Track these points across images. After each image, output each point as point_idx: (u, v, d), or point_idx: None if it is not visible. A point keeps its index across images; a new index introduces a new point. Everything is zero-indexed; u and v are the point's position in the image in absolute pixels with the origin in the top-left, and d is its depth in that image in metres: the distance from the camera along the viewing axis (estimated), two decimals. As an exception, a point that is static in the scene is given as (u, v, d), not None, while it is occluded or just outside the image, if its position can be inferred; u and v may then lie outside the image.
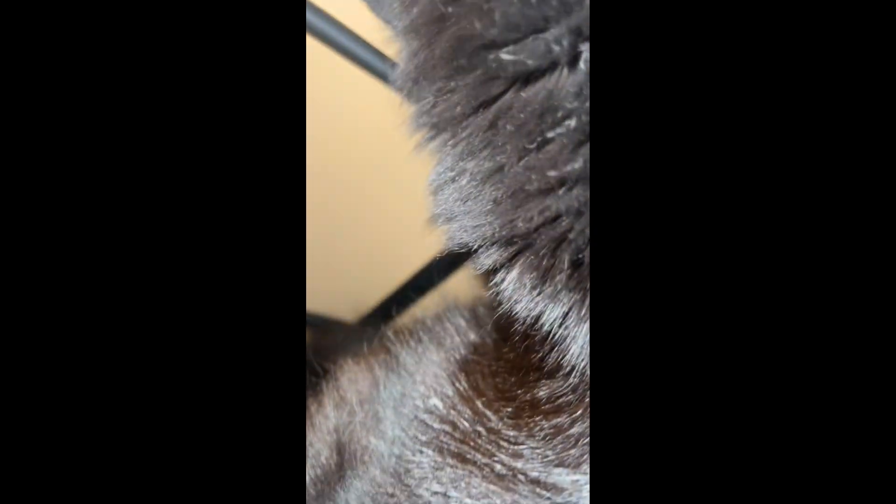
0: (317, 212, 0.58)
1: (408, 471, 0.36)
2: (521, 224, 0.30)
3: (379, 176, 0.61)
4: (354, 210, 0.64)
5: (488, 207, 0.31)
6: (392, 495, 0.36)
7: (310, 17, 0.52)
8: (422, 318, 0.48)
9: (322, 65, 0.53)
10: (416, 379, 0.40)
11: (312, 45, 0.53)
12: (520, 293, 0.32)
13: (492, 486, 0.33)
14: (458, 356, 0.41)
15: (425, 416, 0.37)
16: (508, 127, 0.30)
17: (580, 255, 0.29)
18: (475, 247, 0.32)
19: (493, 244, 0.32)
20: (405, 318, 0.63)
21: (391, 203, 0.63)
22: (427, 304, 0.63)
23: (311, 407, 0.46)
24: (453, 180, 0.32)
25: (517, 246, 0.31)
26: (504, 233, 0.31)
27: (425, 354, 0.42)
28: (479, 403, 0.37)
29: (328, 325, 0.70)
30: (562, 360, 0.32)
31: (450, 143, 0.32)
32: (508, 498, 0.33)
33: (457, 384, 0.38)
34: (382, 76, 0.55)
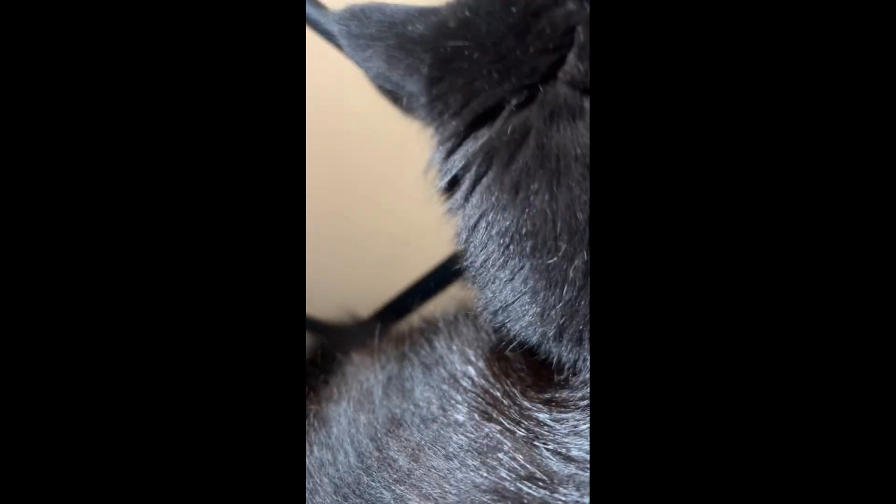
0: (328, 210, 0.60)
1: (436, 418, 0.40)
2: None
3: (391, 173, 0.63)
4: (367, 207, 0.66)
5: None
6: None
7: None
8: (445, 312, 0.52)
9: (324, 64, 0.53)
10: (451, 349, 0.44)
11: (313, 41, 0.52)
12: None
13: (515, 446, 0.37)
14: (490, 339, 0.44)
15: (460, 380, 0.41)
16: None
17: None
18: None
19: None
20: (420, 315, 0.66)
21: (404, 200, 0.63)
22: (441, 303, 0.66)
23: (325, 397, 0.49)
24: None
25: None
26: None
27: (458, 331, 0.46)
28: (507, 382, 0.40)
29: (339, 324, 0.72)
30: (576, 379, 0.37)
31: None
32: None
33: (488, 362, 0.42)
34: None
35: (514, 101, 0.35)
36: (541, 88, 0.34)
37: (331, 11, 0.46)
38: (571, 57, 0.34)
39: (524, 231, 0.34)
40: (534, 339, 0.37)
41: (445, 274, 0.65)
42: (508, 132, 0.34)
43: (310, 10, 0.52)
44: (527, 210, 0.34)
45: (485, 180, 0.36)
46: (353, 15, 0.41)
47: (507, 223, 0.35)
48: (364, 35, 0.41)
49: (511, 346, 0.39)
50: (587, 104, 0.32)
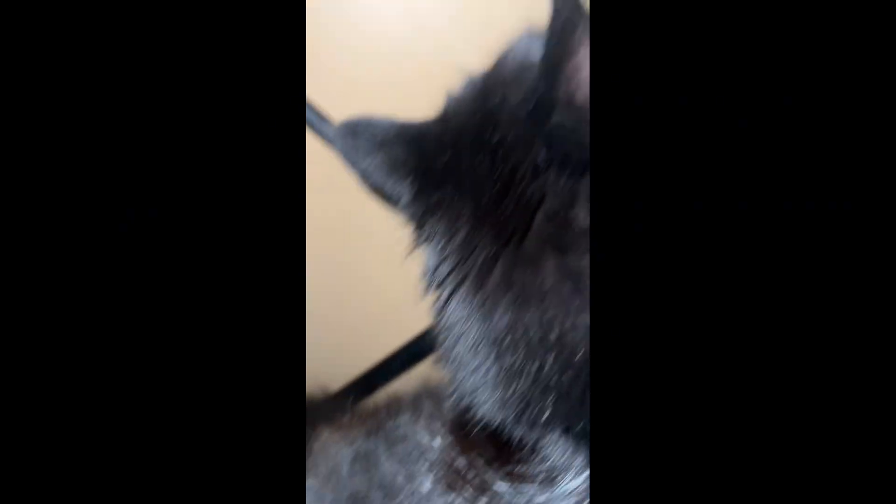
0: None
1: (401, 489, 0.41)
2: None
3: (363, 249, 0.65)
4: (341, 285, 0.68)
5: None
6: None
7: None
8: (410, 390, 0.54)
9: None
10: (416, 424, 0.46)
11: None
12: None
13: None
14: (455, 414, 0.46)
15: (426, 451, 0.43)
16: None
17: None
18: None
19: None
20: (387, 391, 0.68)
21: (376, 278, 0.67)
22: (407, 381, 0.67)
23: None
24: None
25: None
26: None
27: (423, 407, 0.48)
28: (473, 454, 0.43)
29: (310, 398, 0.72)
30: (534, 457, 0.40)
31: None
32: None
33: (454, 435, 0.44)
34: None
35: (487, 247, 0.39)
36: (511, 242, 0.39)
37: (332, 124, 0.50)
38: (540, 217, 0.38)
39: (490, 340, 0.39)
40: (496, 421, 0.41)
41: (415, 351, 0.68)
42: (479, 263, 0.39)
43: (311, 117, 0.57)
44: (492, 326, 0.38)
45: (458, 296, 0.41)
46: (348, 130, 0.47)
47: (476, 333, 0.40)
48: (357, 150, 0.46)
49: (477, 426, 0.42)
50: (551, 257, 0.37)
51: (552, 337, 0.36)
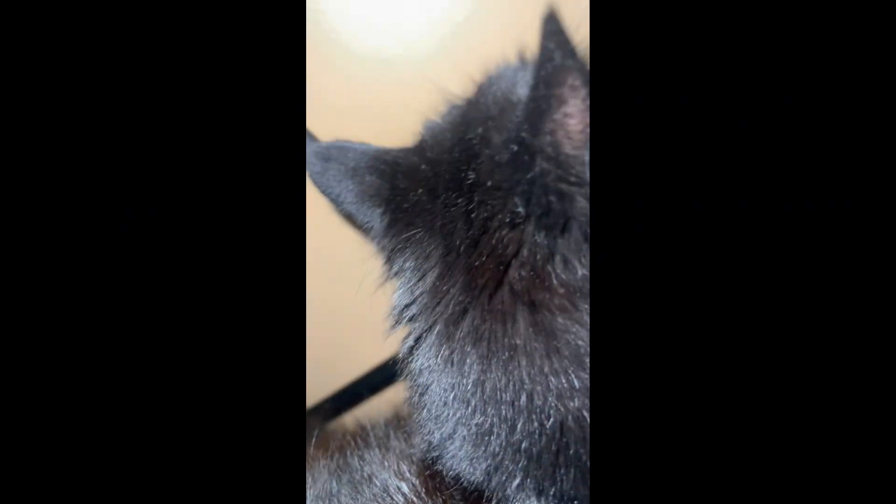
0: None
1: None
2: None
3: (334, 275, 0.64)
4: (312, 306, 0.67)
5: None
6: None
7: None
8: (377, 423, 0.52)
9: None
10: (383, 464, 0.44)
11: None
12: None
13: None
14: (422, 454, 0.45)
15: (393, 495, 0.41)
16: None
17: None
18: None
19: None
20: (354, 417, 0.66)
21: (345, 302, 0.65)
22: (376, 406, 0.66)
23: None
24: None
25: None
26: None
27: (390, 445, 0.46)
28: (440, 499, 0.41)
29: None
30: None
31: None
32: None
33: (421, 478, 0.42)
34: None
35: (457, 295, 0.37)
36: (482, 293, 0.37)
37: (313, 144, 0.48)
38: (514, 271, 0.36)
39: (459, 395, 0.37)
40: (465, 476, 0.39)
41: (384, 376, 0.66)
42: (449, 312, 0.37)
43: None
44: (461, 381, 0.36)
45: (426, 342, 0.38)
46: (320, 155, 0.45)
47: (445, 385, 0.37)
48: (329, 175, 0.44)
49: (447, 474, 0.40)
50: (523, 313, 0.35)
51: (522, 400, 0.34)
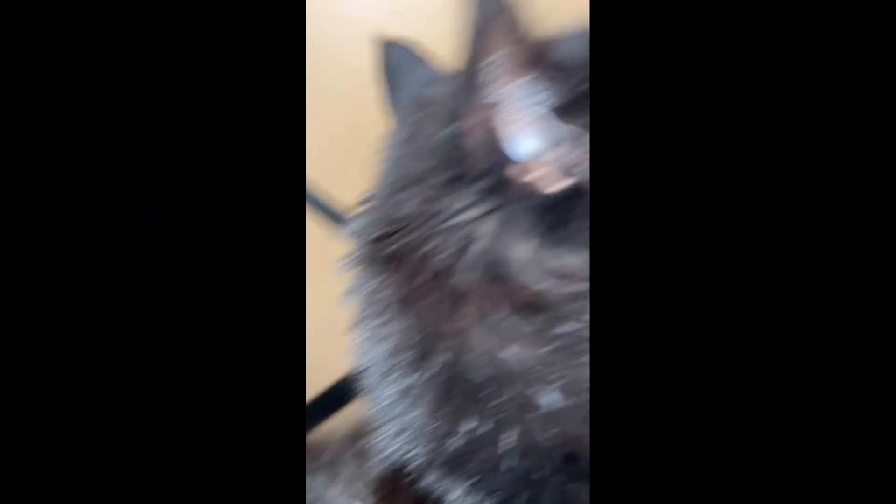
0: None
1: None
2: None
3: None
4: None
5: None
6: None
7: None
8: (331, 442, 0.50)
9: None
10: (338, 483, 0.42)
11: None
12: None
13: None
14: (376, 471, 0.43)
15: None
16: None
17: None
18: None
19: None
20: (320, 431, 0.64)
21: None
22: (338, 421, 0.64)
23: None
24: None
25: None
26: None
27: (345, 465, 0.45)
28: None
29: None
30: None
31: None
32: None
33: (377, 496, 0.40)
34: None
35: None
36: None
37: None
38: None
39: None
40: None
41: (339, 394, 0.64)
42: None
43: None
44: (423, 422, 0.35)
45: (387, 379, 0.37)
46: None
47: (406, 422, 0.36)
48: None
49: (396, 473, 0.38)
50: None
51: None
